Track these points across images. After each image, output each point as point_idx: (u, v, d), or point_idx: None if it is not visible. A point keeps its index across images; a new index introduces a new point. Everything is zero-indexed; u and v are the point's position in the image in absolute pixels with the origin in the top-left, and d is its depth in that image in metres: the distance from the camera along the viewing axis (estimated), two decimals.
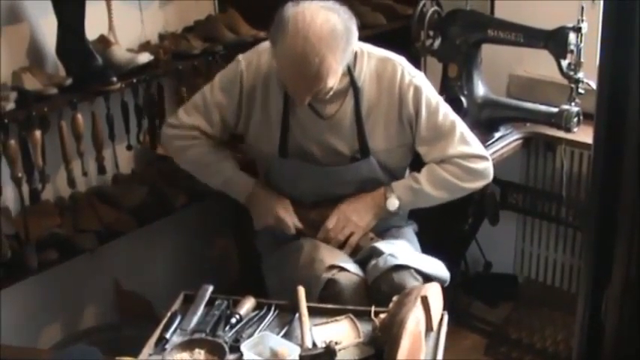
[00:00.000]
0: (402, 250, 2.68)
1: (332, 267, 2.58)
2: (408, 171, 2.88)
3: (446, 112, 2.74)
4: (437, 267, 2.68)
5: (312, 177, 2.76)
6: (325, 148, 2.74)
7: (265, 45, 2.72)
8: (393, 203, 2.75)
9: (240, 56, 2.78)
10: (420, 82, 2.71)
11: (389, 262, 2.55)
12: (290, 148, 2.74)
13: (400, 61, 2.73)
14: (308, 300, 2.40)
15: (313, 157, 2.75)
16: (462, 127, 2.76)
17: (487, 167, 2.78)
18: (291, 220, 2.78)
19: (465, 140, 2.75)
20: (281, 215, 2.78)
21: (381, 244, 2.68)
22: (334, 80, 2.53)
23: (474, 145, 2.77)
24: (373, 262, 2.60)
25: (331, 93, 2.59)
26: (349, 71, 2.63)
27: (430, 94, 2.73)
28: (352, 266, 2.62)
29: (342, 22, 2.50)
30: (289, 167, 2.76)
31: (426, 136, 2.73)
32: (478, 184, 2.79)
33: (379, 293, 2.51)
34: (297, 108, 2.69)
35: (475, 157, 2.75)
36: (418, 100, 2.69)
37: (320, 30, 2.44)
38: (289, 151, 2.74)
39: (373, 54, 2.72)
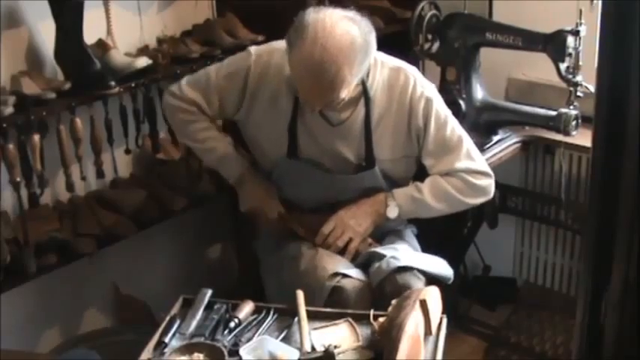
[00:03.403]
0: (403, 251, 2.68)
1: (335, 274, 2.57)
2: (411, 182, 2.86)
3: (454, 126, 2.75)
4: (440, 266, 2.69)
5: (315, 182, 2.76)
6: (332, 155, 2.73)
7: (279, 44, 2.69)
8: (393, 211, 2.75)
9: (252, 48, 2.77)
10: (431, 95, 2.71)
11: (392, 264, 2.56)
12: (299, 150, 2.74)
13: (412, 72, 2.73)
14: (312, 306, 2.40)
15: (319, 162, 2.74)
16: (468, 142, 2.76)
17: (490, 184, 2.79)
18: (275, 205, 2.81)
19: (470, 156, 2.75)
20: (265, 199, 2.81)
21: (381, 248, 2.69)
22: (347, 92, 2.52)
23: (479, 161, 2.78)
24: (376, 265, 2.61)
25: (342, 104, 2.59)
26: (362, 80, 2.62)
27: (440, 107, 2.73)
28: (355, 272, 2.62)
29: (362, 34, 2.47)
30: (294, 169, 2.76)
31: (433, 149, 2.73)
32: (479, 200, 2.80)
33: (384, 296, 2.51)
34: (307, 113, 2.69)
35: (480, 173, 2.76)
36: (428, 112, 2.69)
37: (339, 40, 2.42)
38: (299, 153, 2.74)
39: (386, 63, 2.72)
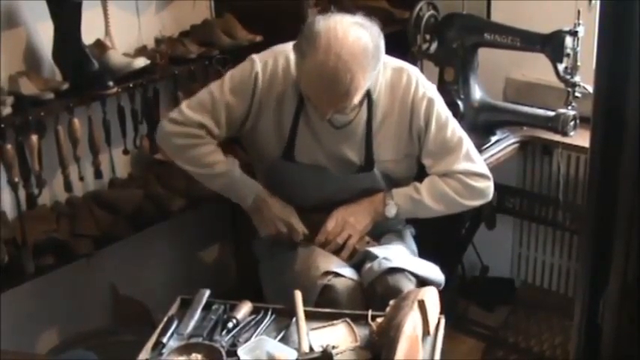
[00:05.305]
0: (397, 253, 2.68)
1: (327, 273, 2.57)
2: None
3: (454, 127, 2.75)
4: (431, 270, 2.68)
5: (312, 181, 2.75)
6: (335, 157, 2.73)
7: (281, 48, 2.70)
8: (391, 210, 2.75)
9: (255, 56, 2.73)
10: (432, 95, 2.72)
11: (383, 265, 2.56)
12: (296, 152, 2.73)
13: (414, 73, 2.74)
14: (304, 305, 2.40)
15: (321, 163, 2.74)
16: (468, 144, 2.76)
17: (488, 187, 2.78)
18: (300, 227, 2.76)
19: (470, 157, 2.75)
20: (292, 221, 2.75)
21: (375, 249, 2.69)
22: (359, 97, 2.53)
23: (479, 163, 2.78)
24: (368, 265, 2.61)
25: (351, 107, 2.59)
26: None
27: (441, 108, 2.74)
28: (347, 271, 2.62)
29: (372, 40, 2.48)
30: (292, 170, 2.75)
31: (433, 150, 2.73)
32: (477, 202, 2.80)
33: (374, 296, 2.52)
34: (311, 116, 2.68)
35: (478, 175, 2.76)
36: (429, 113, 2.70)
37: (352, 47, 2.43)
38: (295, 154, 2.73)
39: (388, 64, 2.71)
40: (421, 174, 2.83)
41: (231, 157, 2.81)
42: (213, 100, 2.71)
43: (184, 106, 2.75)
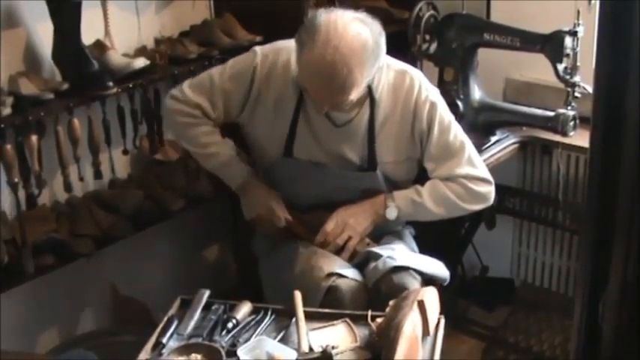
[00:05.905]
0: (400, 252, 2.68)
1: (331, 274, 2.57)
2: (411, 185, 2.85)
3: (457, 132, 2.75)
4: (436, 266, 2.69)
5: (312, 179, 2.75)
6: (334, 156, 2.73)
7: (284, 43, 2.71)
8: (392, 212, 2.75)
9: (257, 48, 2.76)
10: (435, 99, 2.72)
11: (388, 264, 2.56)
12: (296, 149, 2.73)
13: (418, 75, 2.74)
14: (307, 306, 2.40)
15: (320, 162, 2.74)
16: (470, 148, 2.76)
17: (490, 191, 2.79)
18: (282, 212, 2.77)
19: (472, 162, 2.75)
20: (272, 206, 2.76)
21: (378, 248, 2.69)
22: (357, 94, 2.53)
23: (480, 167, 2.78)
24: (372, 265, 2.61)
25: (349, 105, 2.59)
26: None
27: (444, 111, 2.74)
28: (351, 271, 2.62)
29: (373, 36, 2.48)
30: (292, 167, 2.75)
31: (435, 154, 2.73)
32: (478, 207, 2.80)
33: (379, 295, 2.51)
34: (311, 113, 2.68)
35: (480, 179, 2.76)
36: (432, 116, 2.70)
37: (351, 42, 2.43)
38: (295, 152, 2.73)
39: (392, 66, 2.72)
40: (422, 177, 2.83)
41: (227, 139, 2.85)
42: (212, 84, 2.76)
43: (186, 84, 2.82)
